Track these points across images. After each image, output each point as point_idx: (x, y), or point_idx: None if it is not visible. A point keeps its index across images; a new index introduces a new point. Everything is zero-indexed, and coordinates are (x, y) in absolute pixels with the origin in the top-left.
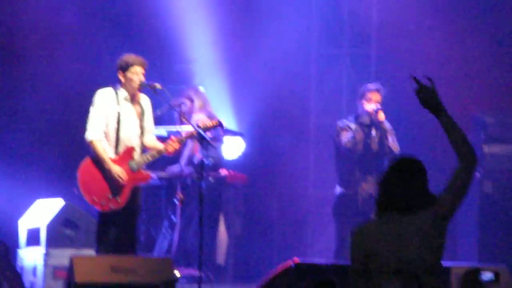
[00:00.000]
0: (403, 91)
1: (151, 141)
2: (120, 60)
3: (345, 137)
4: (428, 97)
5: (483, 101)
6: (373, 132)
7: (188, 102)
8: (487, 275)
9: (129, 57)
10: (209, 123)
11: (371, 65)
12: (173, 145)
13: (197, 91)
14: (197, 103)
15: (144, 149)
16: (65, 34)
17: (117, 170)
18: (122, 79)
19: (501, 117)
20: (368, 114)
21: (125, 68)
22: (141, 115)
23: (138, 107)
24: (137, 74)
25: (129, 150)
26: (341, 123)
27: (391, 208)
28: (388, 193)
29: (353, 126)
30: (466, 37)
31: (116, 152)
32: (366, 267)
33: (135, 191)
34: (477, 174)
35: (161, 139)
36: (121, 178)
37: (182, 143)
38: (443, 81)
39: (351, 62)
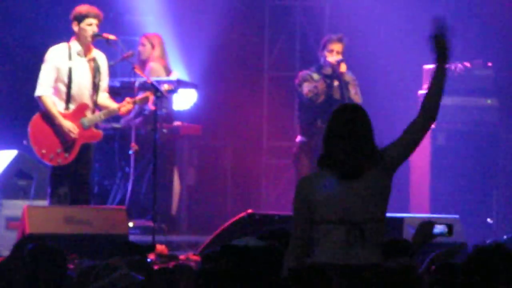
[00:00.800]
0: (357, 44)
1: (104, 100)
2: (75, 10)
3: (307, 87)
4: (441, 43)
5: (434, 53)
6: (335, 83)
7: (149, 47)
8: (439, 228)
9: (84, 8)
10: (165, 88)
11: (325, 17)
12: (127, 107)
13: (160, 40)
14: (158, 51)
15: (97, 107)
16: None
17: (68, 125)
18: (76, 30)
19: (453, 69)
20: (331, 65)
21: (79, 19)
22: (95, 72)
23: (92, 63)
24: (91, 25)
25: (82, 107)
26: (303, 73)
27: (336, 171)
28: (332, 154)
29: (315, 76)
30: None
31: (67, 108)
32: (307, 216)
33: (87, 145)
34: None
35: (114, 89)
36: (72, 132)
37: (136, 105)
38: (397, 34)
39: (305, 13)
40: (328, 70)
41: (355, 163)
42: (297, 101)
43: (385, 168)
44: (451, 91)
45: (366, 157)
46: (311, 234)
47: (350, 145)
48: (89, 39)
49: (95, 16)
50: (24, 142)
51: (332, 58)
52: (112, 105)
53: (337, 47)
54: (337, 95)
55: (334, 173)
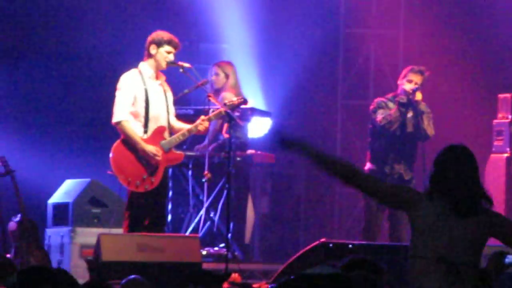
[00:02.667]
0: (430, 73)
1: (176, 123)
2: (156, 34)
3: (381, 114)
4: None
5: (510, 82)
6: (410, 112)
7: (222, 76)
8: (511, 258)
9: (166, 34)
10: (234, 100)
11: (399, 45)
12: (203, 124)
13: (233, 68)
14: (232, 80)
15: (170, 130)
16: (93, 13)
17: (152, 149)
18: (153, 53)
19: None
20: (406, 93)
21: (160, 43)
22: (166, 95)
23: (162, 87)
24: (170, 53)
25: (160, 130)
26: (379, 100)
27: (447, 204)
28: (443, 188)
29: (391, 105)
30: (495, 18)
31: (146, 131)
32: (397, 193)
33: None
34: (505, 155)
35: (188, 117)
36: (157, 156)
37: (212, 122)
38: (470, 62)
39: (379, 41)
40: (403, 98)
41: (469, 201)
42: (369, 127)
43: (491, 226)
44: None
45: (477, 198)
46: (409, 268)
47: (462, 184)
48: (164, 65)
49: (175, 46)
50: (109, 171)
51: (409, 86)
52: (185, 126)
53: (416, 78)
54: (410, 124)
55: (443, 206)
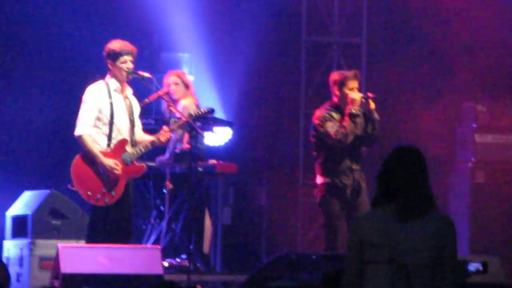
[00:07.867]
0: (396, 80)
1: (141, 135)
2: (108, 48)
3: (332, 128)
4: None
5: (474, 90)
6: (361, 120)
7: (182, 86)
8: (474, 265)
9: (116, 44)
10: (201, 110)
11: (362, 54)
12: (165, 135)
13: (188, 77)
14: (191, 90)
15: (133, 143)
16: (49, 25)
17: (110, 162)
18: (112, 68)
19: (492, 106)
20: (355, 102)
21: (113, 57)
22: (131, 109)
23: (127, 100)
24: (126, 63)
25: (122, 143)
26: (322, 112)
27: (393, 212)
28: (389, 195)
29: (334, 115)
30: (457, 25)
31: (109, 144)
32: (360, 256)
33: (127, 183)
34: (469, 164)
35: (149, 127)
36: (115, 169)
37: (174, 132)
38: (434, 71)
39: (341, 50)
40: (355, 109)
41: (413, 206)
42: (316, 141)
43: (437, 232)
44: (490, 128)
45: (423, 201)
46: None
47: (409, 189)
48: (124, 77)
49: (128, 53)
50: (69, 186)
51: (357, 95)
52: (148, 138)
53: (356, 84)
54: (359, 131)
55: (390, 214)
